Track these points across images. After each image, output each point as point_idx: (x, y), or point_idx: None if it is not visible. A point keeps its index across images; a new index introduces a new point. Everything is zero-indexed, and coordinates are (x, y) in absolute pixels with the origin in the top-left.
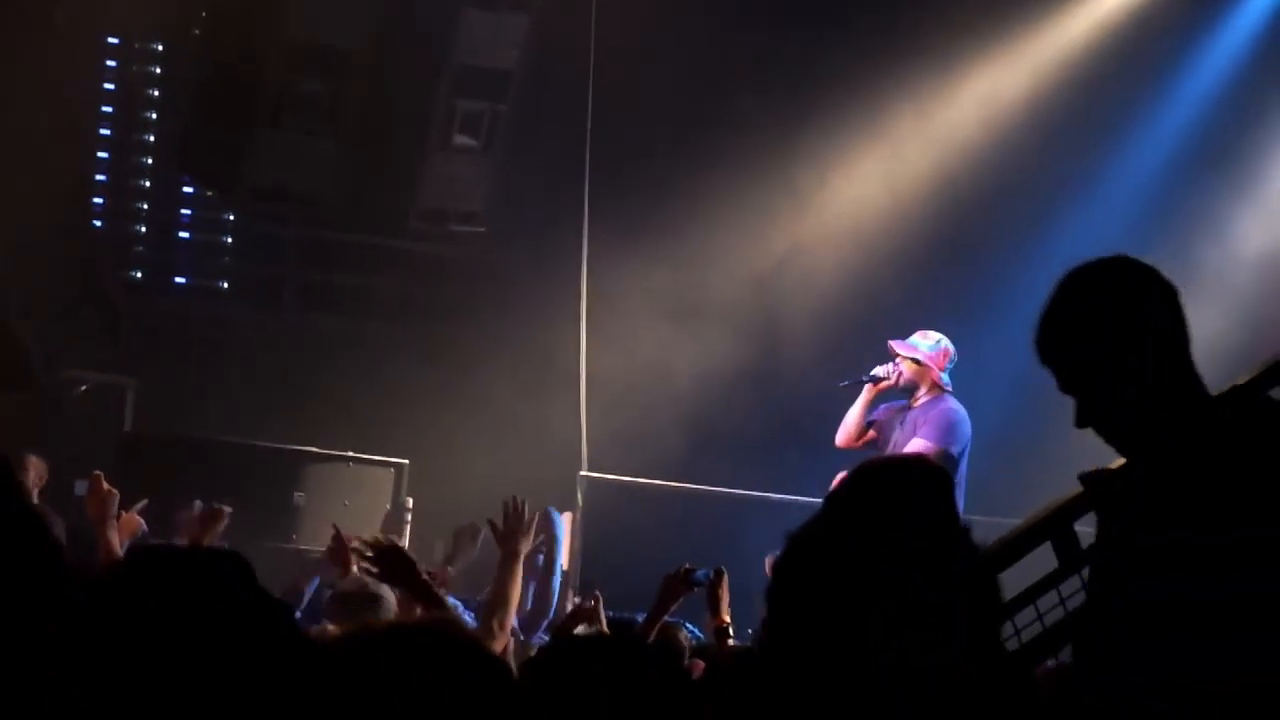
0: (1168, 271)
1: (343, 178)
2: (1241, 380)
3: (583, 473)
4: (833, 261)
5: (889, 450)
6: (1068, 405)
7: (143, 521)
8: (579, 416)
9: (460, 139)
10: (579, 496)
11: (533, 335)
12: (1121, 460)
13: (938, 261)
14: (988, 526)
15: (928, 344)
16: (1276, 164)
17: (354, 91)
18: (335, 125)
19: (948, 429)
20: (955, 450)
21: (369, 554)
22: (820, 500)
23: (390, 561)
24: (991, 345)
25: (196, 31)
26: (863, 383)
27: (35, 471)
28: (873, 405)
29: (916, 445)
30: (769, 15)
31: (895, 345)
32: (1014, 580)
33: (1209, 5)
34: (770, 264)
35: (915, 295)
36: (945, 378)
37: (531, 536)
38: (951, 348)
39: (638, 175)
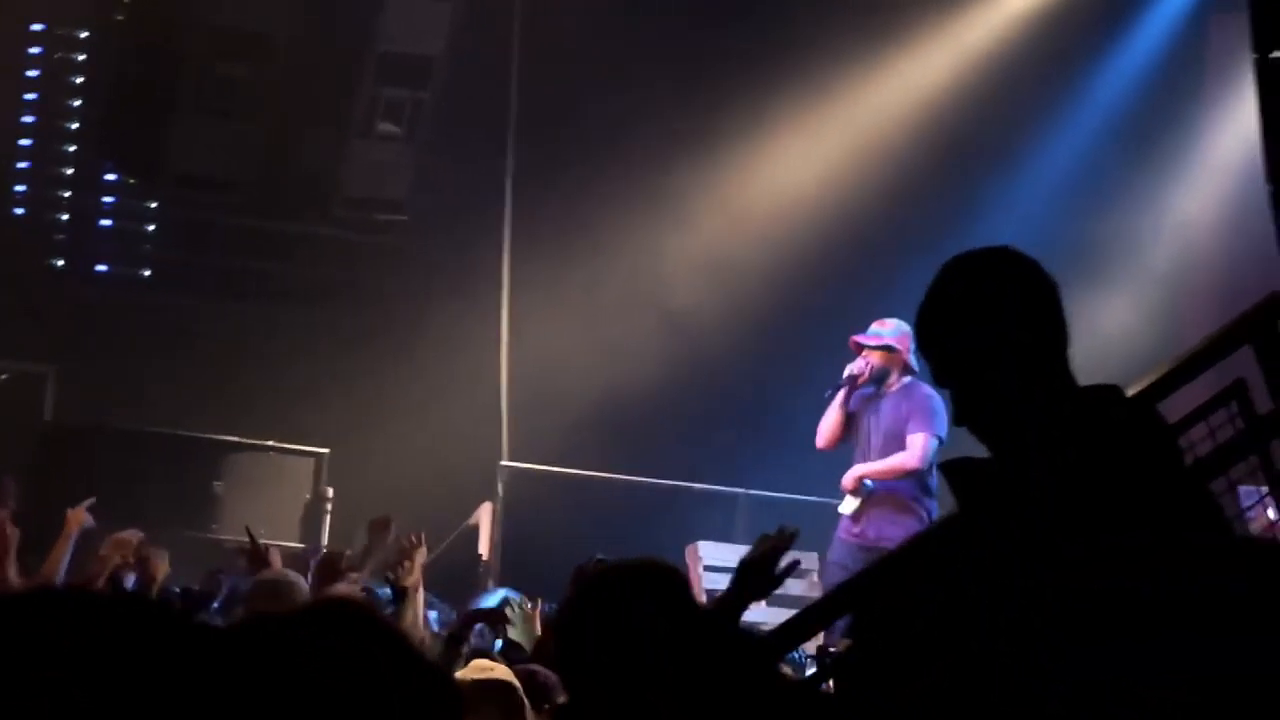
0: (1092, 253)
1: (265, 164)
2: (1146, 380)
3: (503, 462)
4: (754, 250)
5: (868, 439)
6: None
7: (89, 517)
8: (499, 406)
9: (383, 126)
10: (499, 486)
11: (454, 324)
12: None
13: (861, 252)
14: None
15: (890, 330)
16: (1198, 141)
17: (276, 77)
18: (258, 111)
19: (935, 415)
20: (942, 434)
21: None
22: (732, 490)
23: (405, 558)
24: None
25: (119, 17)
26: (842, 386)
27: None
28: (849, 401)
29: (915, 439)
30: (691, 7)
31: (860, 339)
32: None
33: None
34: (691, 253)
35: (839, 285)
36: (914, 360)
37: (418, 571)
38: (910, 330)
39: (560, 165)
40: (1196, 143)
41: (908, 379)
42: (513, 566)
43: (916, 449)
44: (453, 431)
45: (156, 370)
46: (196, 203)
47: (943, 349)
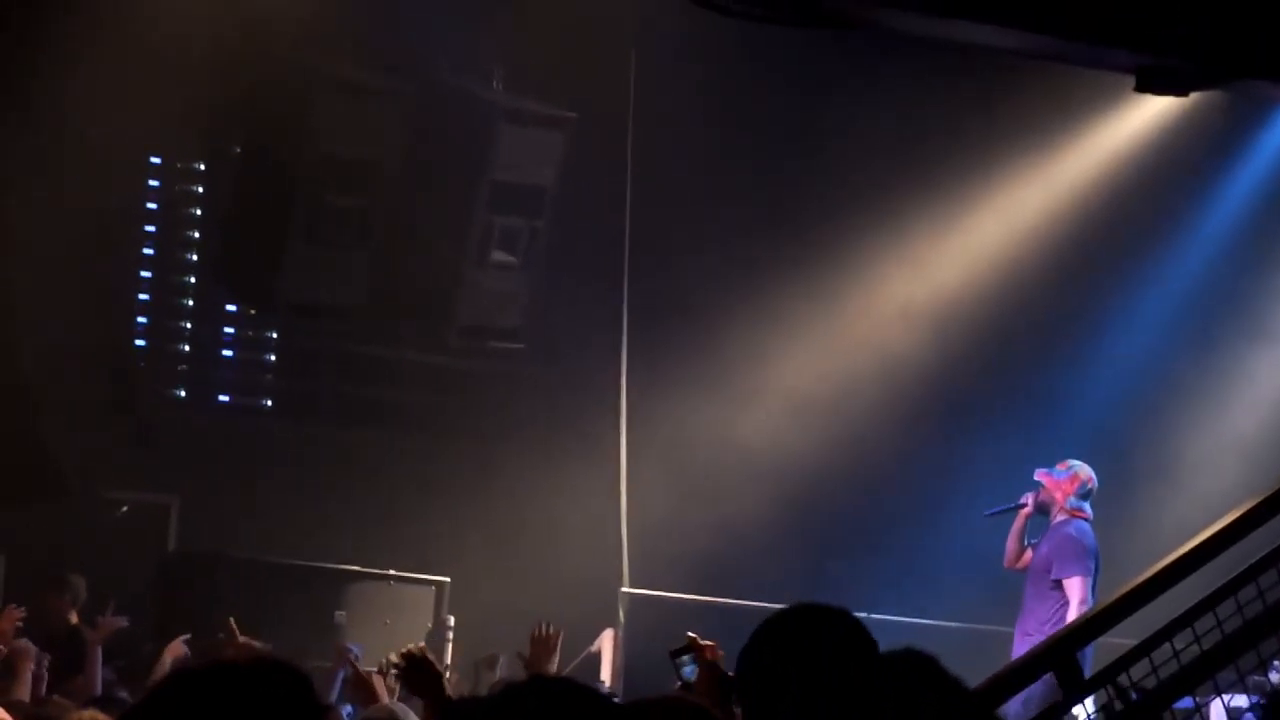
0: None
1: (380, 293)
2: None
3: (624, 589)
4: (878, 381)
5: (1032, 568)
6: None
7: (186, 649)
8: (620, 532)
9: (498, 255)
10: (620, 613)
11: (573, 451)
12: None
13: (974, 374)
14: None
15: (1060, 471)
16: None
17: (389, 205)
18: (370, 240)
19: (1072, 554)
20: (1086, 573)
21: (400, 663)
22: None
23: (420, 671)
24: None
25: (237, 149)
26: (1007, 510)
27: (75, 592)
28: (1026, 529)
29: (1071, 585)
30: (804, 129)
31: (1037, 473)
32: None
33: (1245, 121)
34: (812, 382)
35: (953, 409)
36: (1074, 502)
37: (556, 659)
38: (1085, 473)
39: (676, 285)
40: None
41: (1063, 518)
42: (636, 693)
43: (1072, 593)
44: (574, 558)
45: (277, 499)
46: (313, 332)
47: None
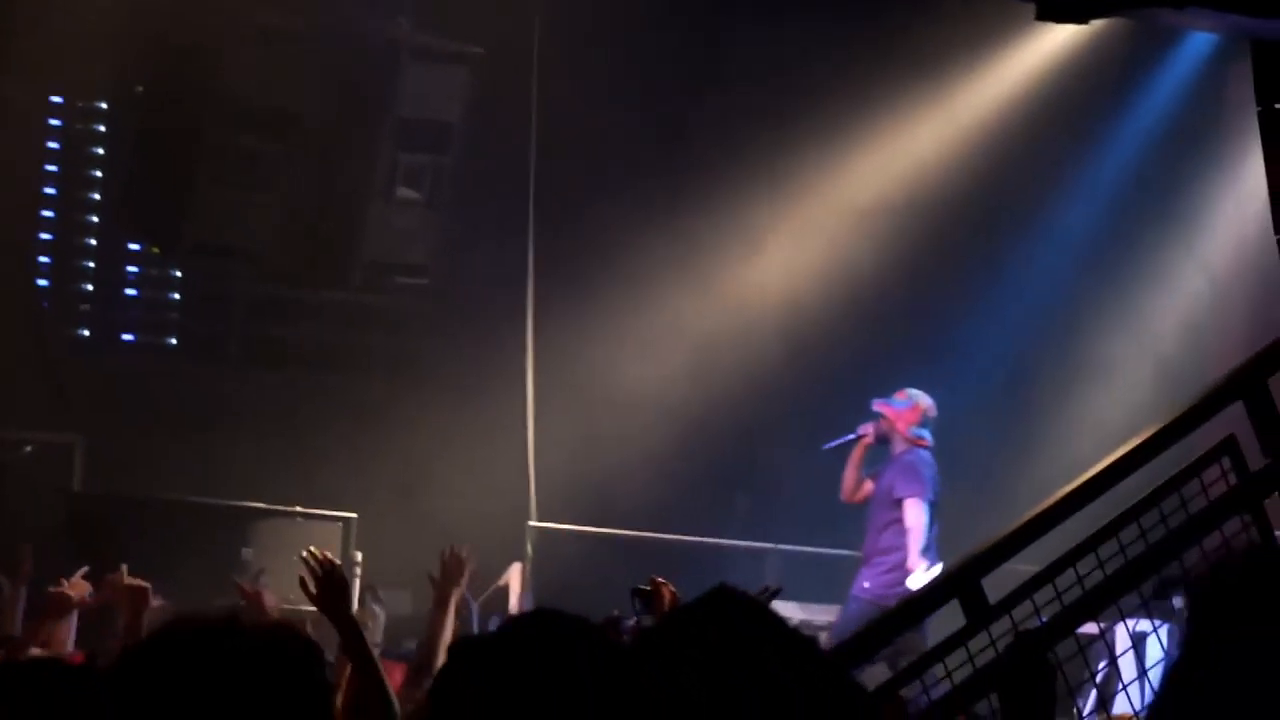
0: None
1: (286, 232)
2: (1144, 435)
3: (531, 523)
4: (775, 313)
5: (873, 500)
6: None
7: (89, 587)
8: (527, 466)
9: (404, 191)
10: (528, 547)
11: (479, 386)
12: None
13: (889, 308)
14: None
15: (900, 401)
16: (1217, 190)
17: (294, 146)
18: (277, 180)
19: (916, 478)
20: (927, 496)
21: (314, 567)
22: (761, 545)
23: (330, 586)
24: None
25: (139, 89)
26: (846, 442)
27: None
28: (865, 460)
29: (909, 506)
30: (712, 68)
31: (874, 404)
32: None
33: (1145, 49)
34: (714, 314)
35: (854, 349)
36: (916, 431)
37: (464, 583)
38: (925, 402)
39: (583, 223)
40: (1216, 192)
41: (905, 447)
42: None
43: (907, 513)
44: (481, 493)
45: (183, 438)
46: (218, 271)
47: None
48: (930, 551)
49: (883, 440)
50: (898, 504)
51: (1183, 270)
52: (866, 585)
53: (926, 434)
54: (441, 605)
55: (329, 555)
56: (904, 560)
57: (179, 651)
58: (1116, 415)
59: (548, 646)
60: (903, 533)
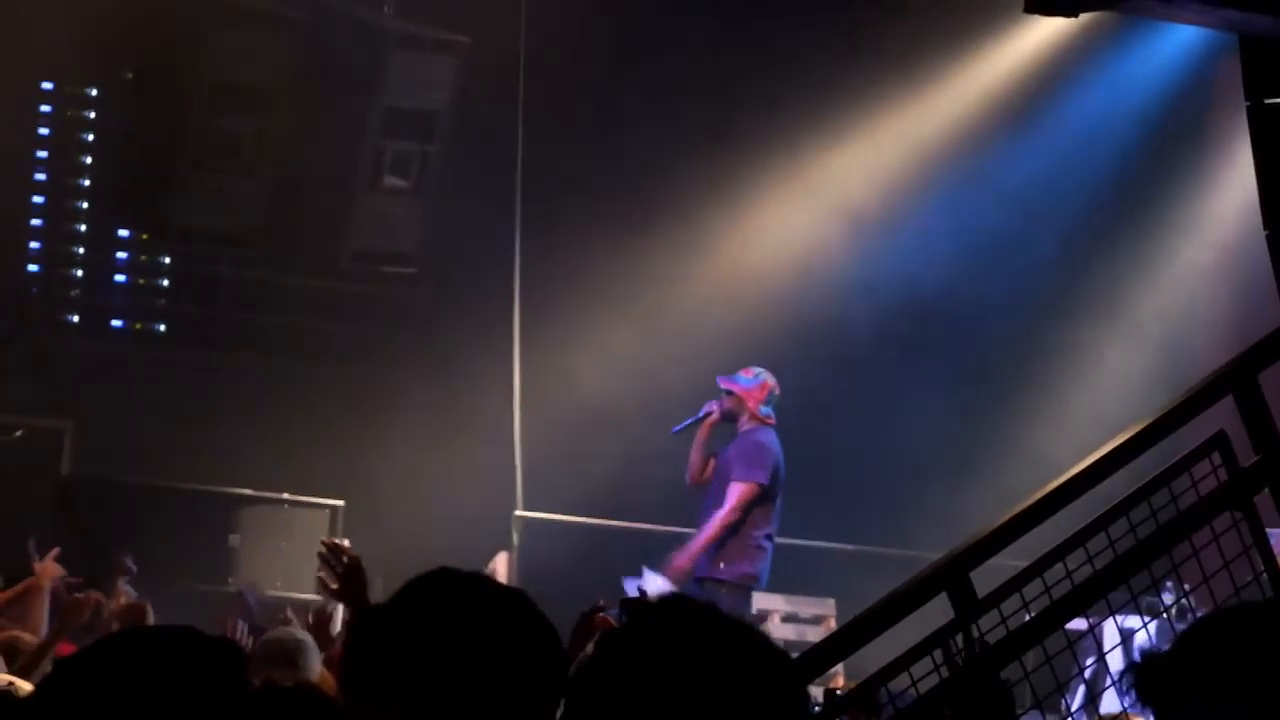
0: (1097, 297)
1: (273, 219)
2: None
3: (518, 512)
4: (765, 299)
5: (715, 480)
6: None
7: (60, 569)
8: (514, 455)
9: (390, 180)
10: (514, 536)
11: (466, 374)
12: None
13: (878, 299)
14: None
15: (747, 378)
16: (1201, 186)
17: (281, 132)
18: (263, 166)
19: (756, 461)
20: (765, 480)
21: (334, 565)
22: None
23: (352, 579)
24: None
25: (128, 75)
26: (693, 423)
27: None
28: (710, 440)
29: (734, 489)
30: (697, 58)
31: (720, 380)
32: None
33: (1133, 43)
34: (702, 302)
35: (858, 329)
36: (764, 409)
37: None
38: (771, 380)
39: (569, 215)
40: (1200, 187)
41: (753, 425)
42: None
43: (732, 498)
44: (468, 482)
45: (171, 424)
46: (207, 257)
47: None
48: (765, 537)
49: (729, 418)
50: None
51: (1171, 266)
52: (723, 566)
53: (771, 411)
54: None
55: (349, 548)
56: (740, 535)
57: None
58: (1105, 411)
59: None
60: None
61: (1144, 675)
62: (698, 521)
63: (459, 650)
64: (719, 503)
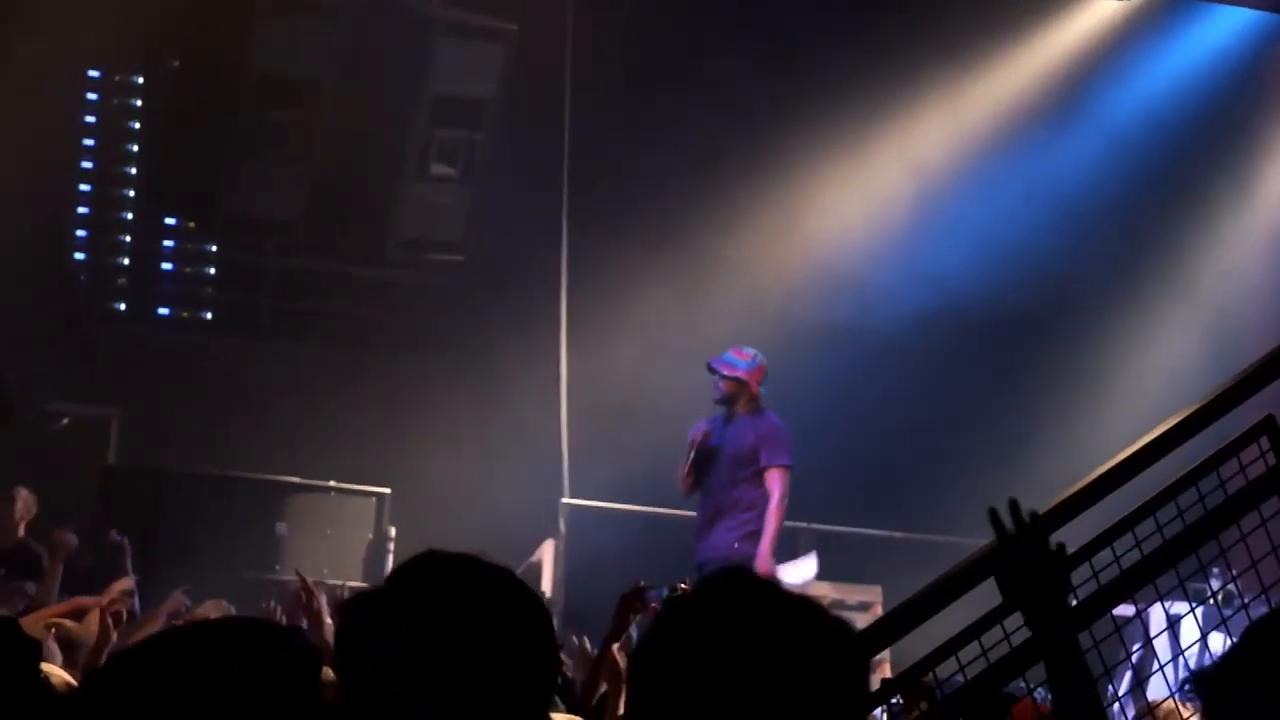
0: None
1: (320, 207)
2: (1182, 414)
3: (564, 499)
4: (811, 286)
5: (716, 461)
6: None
7: (74, 539)
8: (560, 443)
9: (438, 168)
10: (561, 524)
11: (513, 362)
12: None
13: (927, 283)
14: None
15: (745, 361)
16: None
17: (328, 121)
18: (311, 154)
19: (785, 445)
20: (791, 461)
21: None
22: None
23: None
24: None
25: (174, 63)
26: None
27: (23, 503)
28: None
29: (774, 477)
30: (741, 44)
31: (713, 364)
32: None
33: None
34: (749, 292)
35: (899, 319)
36: (764, 391)
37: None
38: (766, 362)
39: (617, 201)
40: (1253, 170)
41: (754, 407)
42: (575, 603)
43: (776, 487)
44: (514, 469)
45: (218, 412)
46: (253, 246)
47: None
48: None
49: (727, 401)
50: (754, 461)
51: (1222, 252)
52: (736, 545)
53: (765, 393)
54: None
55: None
56: (761, 525)
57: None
58: (1154, 397)
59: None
60: (758, 487)
61: (1200, 679)
62: (701, 503)
63: (448, 632)
64: (731, 480)
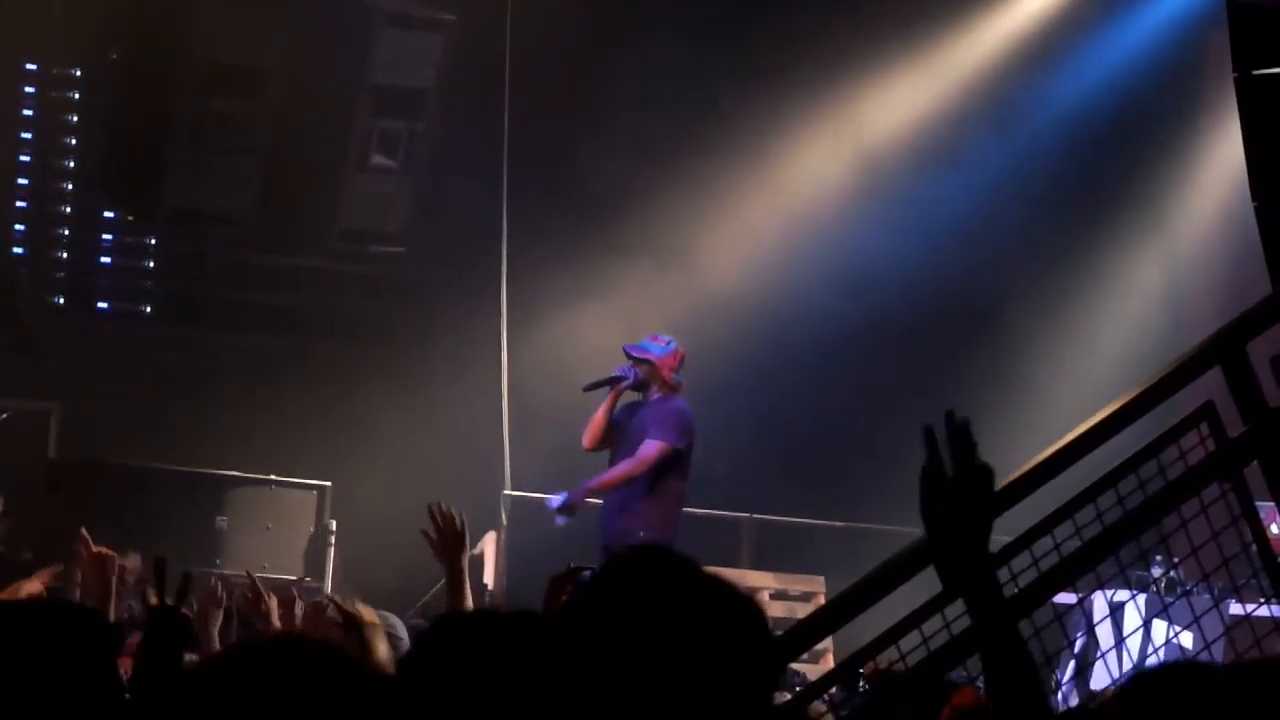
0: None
1: (261, 198)
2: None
3: (506, 491)
4: (754, 278)
5: (624, 445)
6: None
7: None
8: (501, 435)
9: (378, 159)
10: (503, 515)
11: (454, 353)
12: None
13: (882, 261)
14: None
15: (659, 346)
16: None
17: (269, 112)
18: (252, 146)
19: (676, 427)
20: (683, 445)
21: (439, 521)
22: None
23: (452, 538)
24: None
25: (113, 56)
26: (603, 384)
27: None
28: (614, 406)
29: (649, 445)
30: (681, 32)
31: (628, 349)
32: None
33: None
34: (689, 285)
35: (830, 311)
36: (676, 377)
37: (468, 545)
38: (682, 350)
39: (558, 189)
40: (1193, 158)
41: (666, 393)
42: (517, 594)
43: (647, 452)
44: (456, 461)
45: (159, 405)
46: (194, 237)
47: None
48: (680, 505)
49: (639, 387)
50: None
51: (1161, 236)
52: (642, 535)
53: (681, 378)
54: (457, 579)
55: (454, 510)
56: (668, 514)
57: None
58: (1093, 382)
59: None
60: (656, 474)
61: None
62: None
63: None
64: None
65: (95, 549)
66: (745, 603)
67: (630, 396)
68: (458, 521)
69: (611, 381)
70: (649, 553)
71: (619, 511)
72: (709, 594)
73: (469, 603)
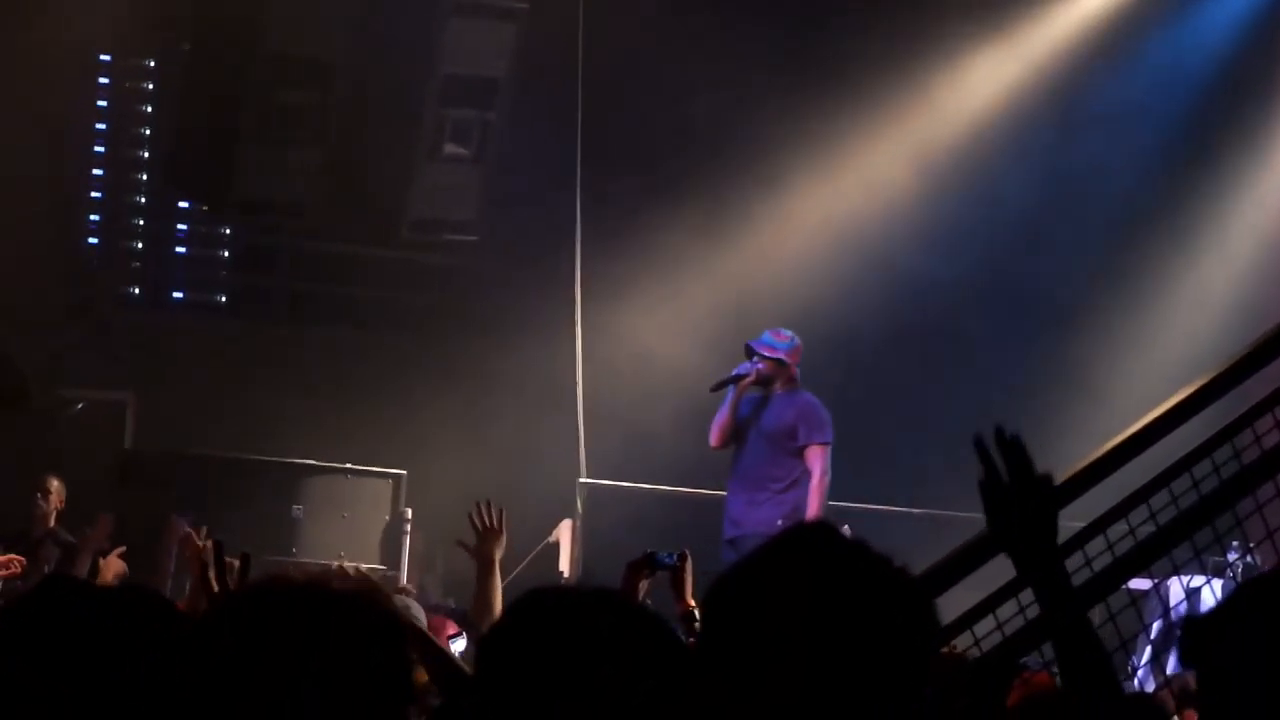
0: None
1: (333, 189)
2: (1215, 370)
3: (582, 479)
4: (834, 263)
5: (751, 440)
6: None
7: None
8: (577, 423)
9: (450, 148)
10: (578, 504)
11: (528, 342)
12: None
13: (950, 251)
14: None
15: (784, 343)
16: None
17: (341, 102)
18: (323, 136)
19: (824, 422)
20: (832, 439)
21: (482, 514)
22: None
23: (490, 536)
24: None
25: (185, 46)
26: (729, 383)
27: (56, 494)
28: (738, 403)
29: (814, 453)
30: (760, 18)
31: (753, 345)
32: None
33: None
34: (767, 267)
35: (923, 300)
36: (799, 372)
37: (504, 540)
38: (801, 343)
39: (631, 178)
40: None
41: (792, 387)
42: (594, 582)
43: (817, 463)
44: (531, 449)
45: (234, 395)
46: (266, 228)
47: None
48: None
49: (764, 383)
50: (792, 438)
51: (1239, 219)
52: (780, 523)
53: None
54: (488, 568)
55: (495, 509)
56: (804, 501)
57: (270, 608)
58: (1171, 366)
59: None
60: (798, 465)
61: (1186, 636)
62: (729, 482)
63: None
64: (771, 461)
65: (202, 542)
66: (912, 584)
67: (748, 390)
68: (497, 520)
69: (736, 379)
70: (818, 529)
71: (749, 505)
72: (879, 572)
73: (499, 592)
